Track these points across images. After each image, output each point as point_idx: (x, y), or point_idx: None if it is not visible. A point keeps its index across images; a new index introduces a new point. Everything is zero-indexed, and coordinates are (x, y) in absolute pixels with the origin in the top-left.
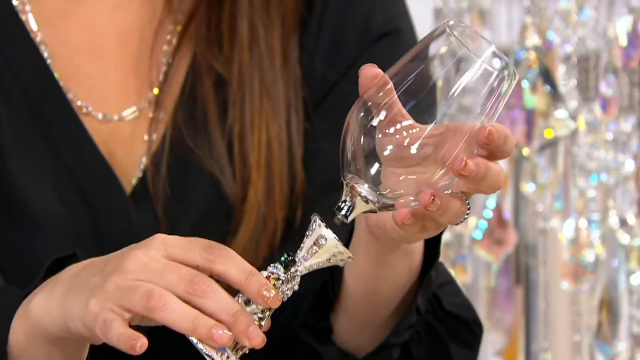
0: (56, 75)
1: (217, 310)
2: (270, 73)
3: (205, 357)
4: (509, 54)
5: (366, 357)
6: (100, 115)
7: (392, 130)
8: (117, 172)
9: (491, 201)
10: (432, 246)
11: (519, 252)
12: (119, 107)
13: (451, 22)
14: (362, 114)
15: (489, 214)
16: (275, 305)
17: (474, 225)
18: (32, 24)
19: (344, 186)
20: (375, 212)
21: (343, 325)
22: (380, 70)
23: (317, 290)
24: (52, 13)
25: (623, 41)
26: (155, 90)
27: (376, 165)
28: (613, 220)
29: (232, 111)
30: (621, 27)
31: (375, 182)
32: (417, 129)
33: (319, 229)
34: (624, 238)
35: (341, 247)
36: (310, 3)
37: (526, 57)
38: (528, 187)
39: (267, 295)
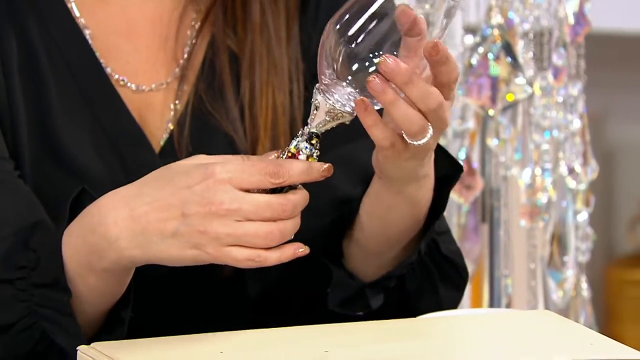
0: (97, 53)
1: (300, 210)
2: (277, 50)
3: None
4: (478, 30)
5: (369, 284)
6: (134, 87)
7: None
8: (148, 135)
9: (462, 154)
10: (439, 204)
11: (485, 195)
12: (150, 80)
13: None
14: (340, 25)
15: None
16: (331, 171)
17: None
18: (76, 11)
19: (319, 96)
20: (342, 120)
21: (352, 253)
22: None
23: (334, 220)
24: (91, 2)
25: (571, 20)
26: (182, 65)
27: (354, 67)
28: (563, 169)
29: (244, 82)
30: (570, 8)
31: (354, 82)
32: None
33: (330, 105)
34: (571, 183)
35: (348, 117)
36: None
37: (491, 34)
38: (492, 142)
39: (325, 170)
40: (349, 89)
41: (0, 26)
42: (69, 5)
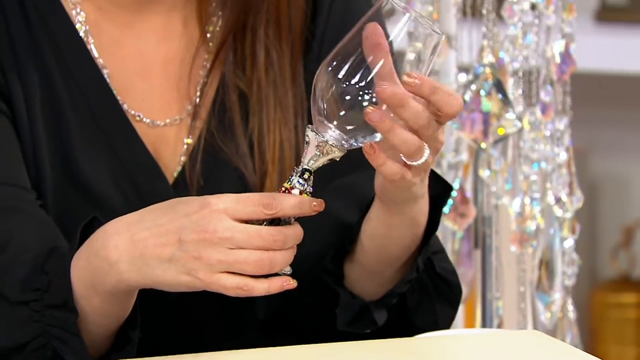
0: (114, 91)
1: (292, 244)
2: (282, 89)
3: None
4: (470, 69)
5: (374, 302)
6: (148, 122)
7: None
8: (162, 167)
9: (456, 184)
10: (433, 222)
11: (477, 222)
12: (164, 116)
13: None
14: (331, 67)
15: (454, 193)
16: (322, 207)
17: None
18: (94, 52)
19: (310, 132)
20: (333, 157)
21: (354, 274)
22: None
23: (337, 244)
24: (109, 43)
25: (558, 60)
26: (194, 102)
27: (344, 108)
28: (550, 198)
29: (252, 119)
30: (556, 48)
31: (343, 122)
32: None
33: (320, 139)
34: (558, 212)
35: (338, 153)
36: (313, 31)
37: (483, 72)
38: (485, 173)
39: (315, 207)
40: (338, 130)
41: (24, 64)
42: (88, 47)
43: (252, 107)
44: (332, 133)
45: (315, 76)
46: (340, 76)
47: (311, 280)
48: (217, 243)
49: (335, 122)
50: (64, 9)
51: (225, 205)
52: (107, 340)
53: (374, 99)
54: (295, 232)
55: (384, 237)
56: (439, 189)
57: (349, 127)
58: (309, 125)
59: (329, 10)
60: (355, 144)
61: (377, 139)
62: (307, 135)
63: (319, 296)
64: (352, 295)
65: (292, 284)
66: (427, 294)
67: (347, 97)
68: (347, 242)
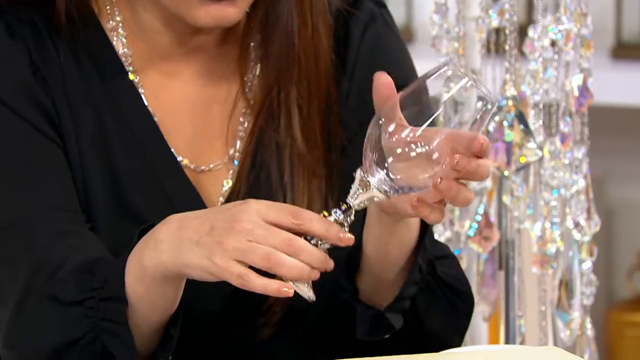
0: (160, 127)
1: (310, 261)
2: (312, 139)
3: (300, 292)
4: (494, 101)
5: (387, 308)
6: (193, 166)
7: (399, 136)
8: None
9: (481, 209)
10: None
11: (501, 245)
12: (205, 160)
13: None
14: (381, 122)
15: (479, 218)
16: (351, 242)
17: (468, 226)
18: (144, 99)
19: (360, 178)
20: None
21: (364, 285)
22: (389, 80)
23: (346, 258)
24: (156, 88)
25: (576, 93)
26: (235, 148)
27: (389, 160)
28: (569, 223)
29: (285, 168)
30: (575, 82)
31: (389, 172)
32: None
33: (372, 188)
34: (577, 236)
35: (381, 196)
36: (341, 64)
37: (506, 104)
38: (508, 199)
39: (343, 236)
40: (384, 175)
41: (76, 102)
42: (134, 82)
43: (285, 157)
44: (375, 179)
45: (369, 126)
46: (390, 130)
47: (341, 299)
48: (239, 232)
49: (381, 170)
50: (112, 45)
51: (259, 205)
52: (151, 338)
53: (416, 152)
54: (317, 255)
55: (386, 244)
56: None
57: (393, 177)
58: (360, 167)
59: (359, 45)
60: (396, 193)
61: (418, 191)
62: (355, 175)
63: (338, 314)
64: (366, 306)
65: (287, 291)
66: (436, 297)
67: (396, 150)
68: (357, 257)
